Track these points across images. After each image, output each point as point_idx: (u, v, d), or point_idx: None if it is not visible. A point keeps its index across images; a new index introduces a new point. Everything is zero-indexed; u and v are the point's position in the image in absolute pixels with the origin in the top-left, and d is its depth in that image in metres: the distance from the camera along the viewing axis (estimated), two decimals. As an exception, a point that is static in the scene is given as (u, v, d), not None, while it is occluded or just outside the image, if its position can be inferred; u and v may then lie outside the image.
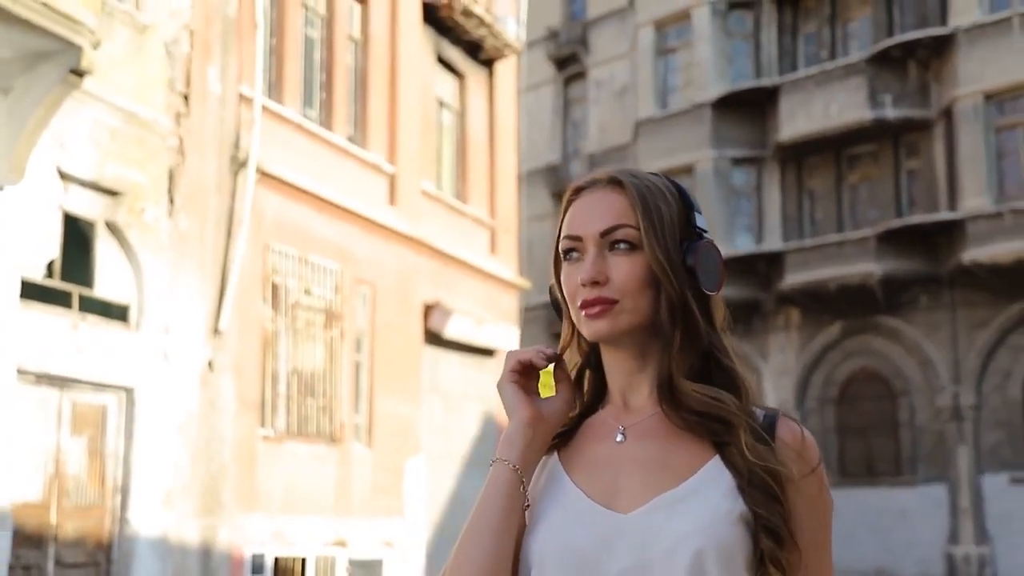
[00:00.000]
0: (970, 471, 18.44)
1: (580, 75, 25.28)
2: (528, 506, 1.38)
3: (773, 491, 1.30)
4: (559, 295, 1.43)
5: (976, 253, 17.88)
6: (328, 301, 11.53)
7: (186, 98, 9.89)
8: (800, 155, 21.06)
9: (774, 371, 20.80)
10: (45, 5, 7.28)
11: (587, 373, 1.46)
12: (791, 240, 20.74)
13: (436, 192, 13.85)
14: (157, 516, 9.24)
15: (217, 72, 10.28)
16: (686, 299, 1.36)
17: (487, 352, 14.26)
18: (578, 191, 1.41)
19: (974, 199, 18.26)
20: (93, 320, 8.84)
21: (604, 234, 1.36)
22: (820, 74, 20.36)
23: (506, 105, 15.58)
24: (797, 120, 20.48)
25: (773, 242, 20.91)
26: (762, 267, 20.70)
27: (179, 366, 9.57)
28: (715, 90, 21.53)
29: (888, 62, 19.59)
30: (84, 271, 8.91)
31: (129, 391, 9.11)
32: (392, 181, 12.83)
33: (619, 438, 1.39)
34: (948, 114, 18.97)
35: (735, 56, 22.10)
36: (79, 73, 7.74)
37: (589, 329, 1.37)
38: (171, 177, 9.67)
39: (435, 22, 13.87)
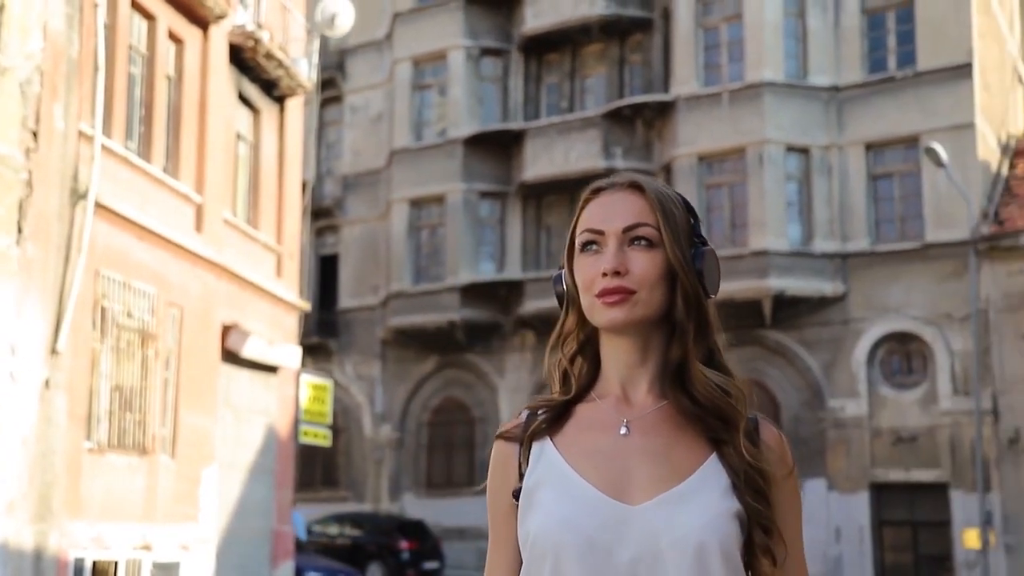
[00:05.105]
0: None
1: (336, 99, 26.58)
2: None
3: (763, 490, 1.42)
4: (569, 284, 1.52)
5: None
6: (145, 323, 12.43)
7: (35, 134, 10.61)
8: (540, 193, 23.48)
9: (509, 387, 23.06)
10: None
11: (578, 360, 1.53)
12: (529, 270, 23.09)
13: (233, 220, 14.91)
14: (1, 524, 9.95)
15: (62, 110, 11.03)
16: (699, 295, 1.46)
17: (272, 369, 15.45)
18: (597, 191, 1.51)
19: (686, 245, 21.23)
20: (-47, 342, 9.49)
21: (626, 230, 1.45)
22: (561, 123, 22.88)
23: (294, 139, 16.81)
24: (539, 163, 22.90)
25: (513, 271, 23.20)
26: (503, 292, 22.92)
27: (23, 385, 10.30)
28: (467, 128, 23.57)
29: (620, 119, 22.37)
30: (-55, 296, 9.54)
31: (-21, 408, 9.80)
32: (199, 210, 13.81)
33: (623, 431, 1.46)
34: (668, 169, 21.95)
35: (485, 98, 24.26)
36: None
37: (605, 316, 1.45)
38: (20, 208, 10.38)
39: (239, 62, 14.94)
